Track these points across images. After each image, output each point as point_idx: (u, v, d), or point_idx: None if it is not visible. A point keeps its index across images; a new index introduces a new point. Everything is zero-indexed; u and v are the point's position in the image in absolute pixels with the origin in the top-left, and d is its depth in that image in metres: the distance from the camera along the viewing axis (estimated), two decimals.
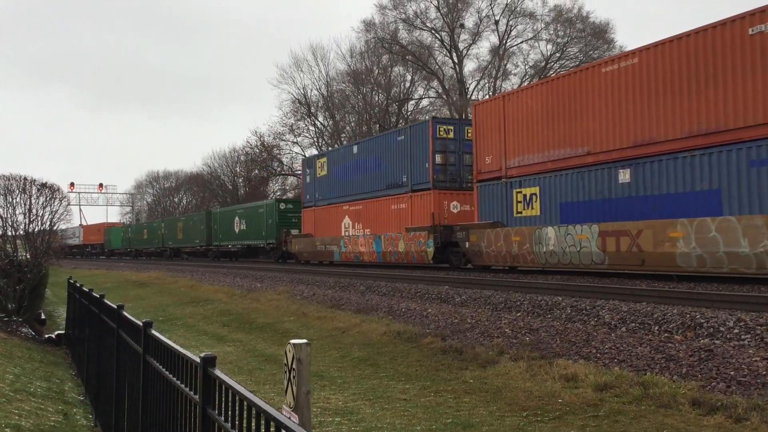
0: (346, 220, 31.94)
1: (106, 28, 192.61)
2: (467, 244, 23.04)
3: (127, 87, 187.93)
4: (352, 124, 58.96)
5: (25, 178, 18.77)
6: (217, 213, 51.85)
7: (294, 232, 38.95)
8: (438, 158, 25.59)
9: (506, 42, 51.30)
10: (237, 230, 46.68)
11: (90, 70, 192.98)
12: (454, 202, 25.72)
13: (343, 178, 32.65)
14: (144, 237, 68.01)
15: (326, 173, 34.59)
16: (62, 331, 15.90)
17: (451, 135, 25.91)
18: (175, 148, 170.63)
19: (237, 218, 46.74)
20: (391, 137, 29.16)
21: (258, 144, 63.63)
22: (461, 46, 52.92)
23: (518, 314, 12.80)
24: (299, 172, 63.80)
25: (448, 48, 53.06)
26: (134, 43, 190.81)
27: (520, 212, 21.29)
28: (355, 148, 32.23)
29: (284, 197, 58.51)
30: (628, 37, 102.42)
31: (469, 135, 25.11)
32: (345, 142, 59.41)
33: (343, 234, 32.10)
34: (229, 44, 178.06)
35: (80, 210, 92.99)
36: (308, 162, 37.37)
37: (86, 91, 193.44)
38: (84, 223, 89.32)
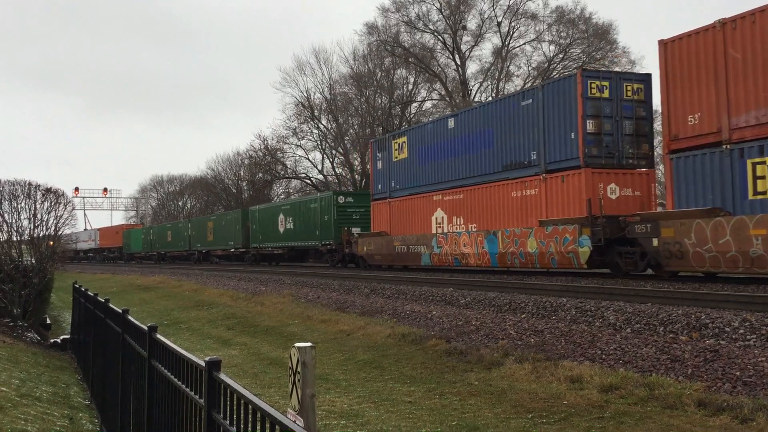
0: (439, 214, 25.55)
1: (104, 34, 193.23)
2: (655, 242, 16.74)
3: (129, 92, 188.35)
4: (356, 126, 59.00)
5: (29, 184, 18.90)
6: (255, 211, 44.98)
7: (355, 230, 32.97)
8: (590, 125, 19.05)
9: (509, 44, 51.31)
10: (282, 230, 40.16)
11: (89, 76, 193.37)
12: (612, 185, 19.20)
13: (434, 161, 26.10)
14: (168, 239, 61.87)
15: (407, 156, 27.97)
16: (68, 336, 15.95)
17: (606, 93, 19.27)
18: (179, 152, 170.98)
19: (282, 216, 40.26)
20: (509, 103, 22.55)
21: (261, 147, 63.73)
22: (464, 48, 52.96)
23: (523, 316, 12.79)
24: (303, 174, 64.01)
25: (451, 50, 53.09)
26: (133, 49, 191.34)
27: (763, 193, 14.58)
28: (451, 122, 25.38)
29: (342, 189, 52.47)
30: (631, 37, 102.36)
31: (629, 93, 19.36)
32: (349, 146, 59.50)
33: (435, 231, 25.60)
34: (230, 49, 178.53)
35: (85, 215, 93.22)
36: (380, 144, 30.64)
37: (87, 97, 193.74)
38: (87, 227, 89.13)
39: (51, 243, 19.42)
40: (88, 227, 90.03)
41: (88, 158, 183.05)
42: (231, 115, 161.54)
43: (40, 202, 18.83)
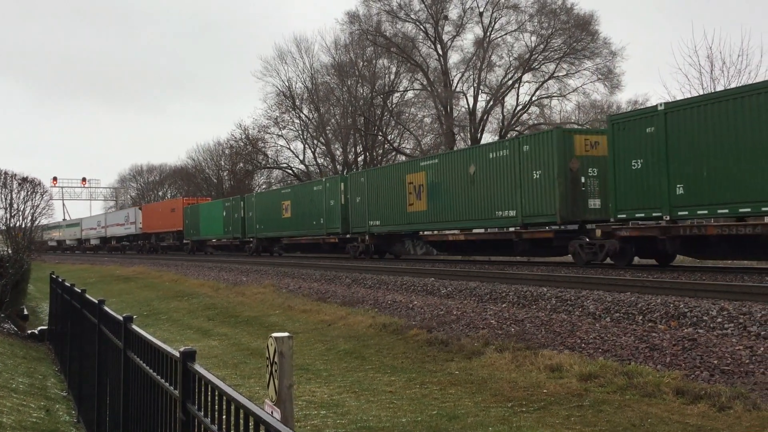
0: None
1: (55, 19, 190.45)
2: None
3: (118, 83, 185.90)
4: (337, 116, 58.75)
5: (5, 173, 18.61)
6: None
7: None
8: None
9: (490, 34, 51.23)
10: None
11: (86, 67, 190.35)
12: None
13: None
14: (284, 215, 35.92)
15: None
16: (45, 327, 15.75)
17: None
18: (159, 142, 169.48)
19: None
20: None
21: (242, 137, 63.24)
22: (445, 38, 52.79)
23: (503, 305, 12.82)
24: (284, 165, 63.65)
25: (433, 40, 52.93)
26: (116, 41, 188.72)
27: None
28: None
29: None
30: (612, 28, 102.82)
31: None
32: (330, 136, 59.14)
33: None
34: (212, 39, 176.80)
35: (63, 204, 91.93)
36: None
37: (51, 84, 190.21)
38: (66, 218, 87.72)
39: (34, 233, 19.16)
40: (67, 217, 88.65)
41: (67, 148, 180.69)
42: (212, 106, 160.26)
43: (16, 191, 18.56)
